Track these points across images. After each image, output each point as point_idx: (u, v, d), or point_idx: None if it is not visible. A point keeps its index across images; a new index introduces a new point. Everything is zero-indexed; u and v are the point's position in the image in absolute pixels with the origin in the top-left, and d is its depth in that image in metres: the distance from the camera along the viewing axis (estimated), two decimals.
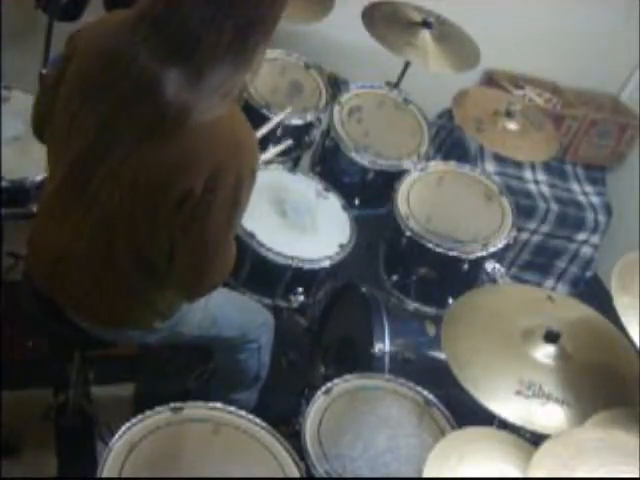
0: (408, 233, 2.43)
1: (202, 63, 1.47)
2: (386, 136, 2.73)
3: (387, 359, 2.20)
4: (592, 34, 3.41)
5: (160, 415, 1.68)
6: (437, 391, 1.97)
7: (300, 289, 2.30)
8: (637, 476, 1.33)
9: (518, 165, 3.40)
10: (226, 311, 1.99)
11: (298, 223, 2.35)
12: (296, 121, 2.61)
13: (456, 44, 2.76)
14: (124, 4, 1.66)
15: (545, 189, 3.44)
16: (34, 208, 2.22)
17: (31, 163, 2.21)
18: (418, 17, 2.76)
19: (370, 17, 2.72)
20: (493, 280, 2.35)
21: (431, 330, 2.34)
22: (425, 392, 1.96)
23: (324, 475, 1.72)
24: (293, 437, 1.77)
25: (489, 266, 2.39)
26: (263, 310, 2.11)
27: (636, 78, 3.63)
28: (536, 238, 3.39)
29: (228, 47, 1.47)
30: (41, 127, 1.80)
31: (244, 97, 1.66)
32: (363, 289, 2.39)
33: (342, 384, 1.95)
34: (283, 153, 2.46)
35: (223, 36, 1.46)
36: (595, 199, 3.50)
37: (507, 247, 2.50)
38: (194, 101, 1.49)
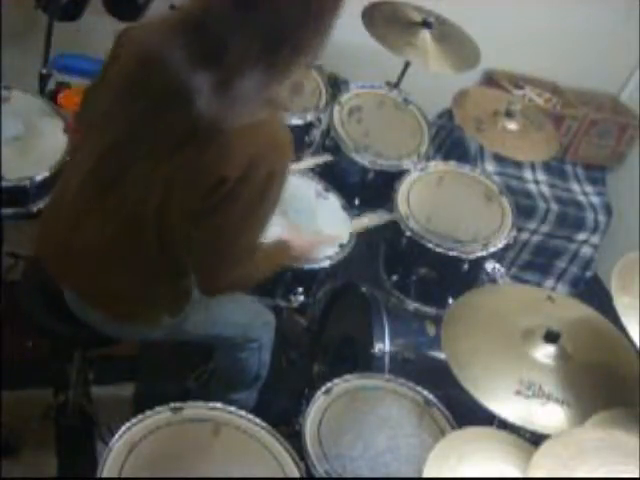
0: (408, 233, 2.43)
1: (231, 72, 1.50)
2: (386, 136, 2.73)
3: (387, 359, 2.20)
4: (592, 34, 3.41)
5: (160, 415, 1.68)
6: (437, 391, 1.97)
7: (300, 289, 2.30)
8: (637, 476, 1.33)
9: (518, 165, 3.40)
10: (228, 311, 2.00)
11: (300, 223, 2.35)
12: (296, 121, 2.61)
13: (456, 44, 2.76)
14: (124, 4, 1.66)
15: (545, 189, 3.44)
16: (34, 208, 2.23)
17: (31, 163, 2.21)
18: (418, 17, 2.76)
19: (370, 17, 2.71)
20: (493, 280, 2.35)
21: (431, 330, 2.34)
22: (425, 392, 1.96)
23: (324, 475, 1.72)
24: (293, 437, 1.77)
25: (489, 266, 2.39)
26: (265, 310, 2.12)
27: (636, 78, 3.63)
28: (536, 238, 3.39)
29: (257, 57, 1.50)
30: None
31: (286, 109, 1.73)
32: (363, 289, 2.39)
33: (342, 384, 1.95)
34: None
35: (252, 46, 1.49)
36: (595, 199, 3.50)
37: (507, 247, 2.50)
38: (226, 111, 1.52)
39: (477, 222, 2.52)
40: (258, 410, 1.91)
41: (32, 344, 2.52)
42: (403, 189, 2.56)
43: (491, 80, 3.45)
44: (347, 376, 1.97)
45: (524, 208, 3.24)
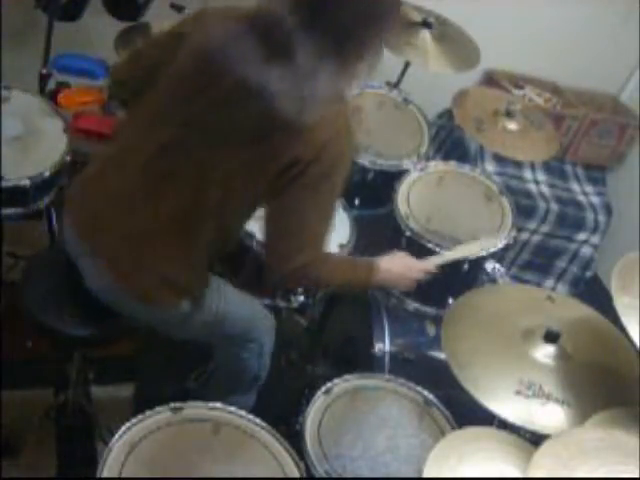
0: (408, 233, 2.43)
1: (304, 69, 1.55)
2: (386, 136, 2.73)
3: (387, 359, 2.20)
4: (592, 34, 3.41)
5: (160, 415, 1.68)
6: (437, 391, 1.97)
7: (300, 289, 2.30)
8: (637, 476, 1.33)
9: (518, 165, 3.40)
10: (236, 306, 2.02)
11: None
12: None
13: (456, 44, 2.76)
14: (124, 4, 1.66)
15: (545, 189, 3.44)
16: (34, 208, 2.23)
17: (31, 163, 2.21)
18: (418, 17, 2.76)
19: None
20: (493, 280, 2.35)
21: (431, 330, 2.34)
22: (425, 392, 1.96)
23: (324, 475, 1.72)
24: (293, 437, 1.77)
25: (489, 266, 2.38)
26: (267, 313, 2.12)
27: (636, 78, 3.63)
28: (536, 238, 3.39)
29: (327, 54, 1.56)
30: (124, 87, 1.95)
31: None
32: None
33: (342, 384, 1.95)
34: None
35: (322, 44, 1.55)
36: (595, 199, 3.50)
37: (507, 247, 2.50)
38: (300, 107, 1.57)
39: (477, 222, 2.52)
40: (258, 410, 1.91)
41: (32, 344, 2.52)
42: (403, 189, 2.56)
43: (491, 80, 3.45)
44: (347, 376, 1.97)
45: (524, 208, 3.24)
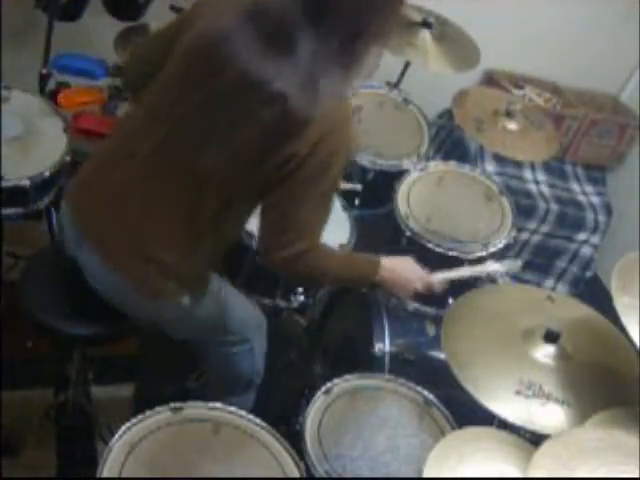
0: (408, 233, 2.43)
1: (310, 66, 1.56)
2: (386, 136, 2.73)
3: (387, 359, 2.20)
4: (592, 34, 3.41)
5: (160, 415, 1.68)
6: (437, 391, 1.97)
7: (300, 289, 2.30)
8: (637, 476, 1.33)
9: (518, 165, 3.40)
10: (233, 304, 2.02)
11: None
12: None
13: (456, 44, 2.76)
14: (124, 4, 1.66)
15: (545, 189, 3.44)
16: (34, 208, 2.23)
17: (31, 163, 2.21)
18: (418, 17, 2.76)
19: None
20: (493, 280, 2.35)
21: (431, 330, 2.34)
22: (425, 392, 1.96)
23: (324, 475, 1.72)
24: (293, 437, 1.77)
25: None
26: (260, 314, 2.13)
27: (636, 78, 3.63)
28: (536, 238, 3.39)
29: (333, 50, 1.56)
30: (137, 79, 1.93)
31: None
32: (363, 289, 2.39)
33: (342, 384, 1.95)
34: None
35: (327, 40, 1.55)
36: (595, 199, 3.50)
37: (507, 247, 2.50)
38: (307, 102, 1.58)
39: (477, 222, 2.52)
40: (258, 410, 1.91)
41: (32, 344, 2.52)
42: (403, 189, 2.56)
43: (491, 80, 3.45)
44: (347, 376, 1.97)
45: (524, 208, 3.24)
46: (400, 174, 2.62)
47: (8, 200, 2.17)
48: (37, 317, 1.93)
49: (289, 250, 1.73)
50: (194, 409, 1.72)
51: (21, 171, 2.17)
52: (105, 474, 1.54)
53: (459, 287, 2.16)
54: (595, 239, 3.44)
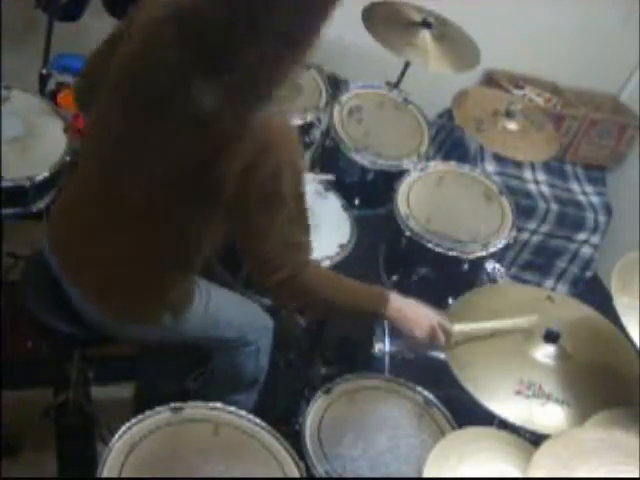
0: (408, 233, 2.43)
1: (237, 75, 1.50)
2: (386, 136, 2.73)
3: (387, 359, 2.20)
4: (592, 34, 3.41)
5: (160, 415, 1.68)
6: (437, 391, 1.97)
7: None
8: (637, 476, 1.33)
9: (518, 165, 3.40)
10: (226, 313, 2.00)
11: None
12: (296, 121, 2.61)
13: (456, 44, 2.76)
14: (124, 4, 1.66)
15: (545, 189, 3.44)
16: (34, 208, 2.23)
17: (31, 163, 2.21)
18: (418, 17, 2.76)
19: (370, 17, 2.71)
20: (493, 280, 2.35)
21: None
22: (425, 392, 1.96)
23: (324, 475, 1.72)
24: (293, 437, 1.77)
25: (489, 266, 2.39)
26: (263, 314, 2.11)
27: (636, 78, 3.63)
28: (536, 238, 3.39)
29: (260, 59, 1.49)
30: (87, 97, 1.85)
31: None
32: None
33: (342, 384, 1.94)
34: None
35: (255, 49, 1.48)
36: (595, 199, 3.50)
37: (507, 247, 2.50)
38: (231, 112, 1.52)
39: (477, 222, 2.52)
40: (258, 410, 1.91)
41: (32, 344, 2.52)
42: (403, 189, 2.56)
43: (491, 80, 3.45)
44: (347, 376, 1.97)
45: (524, 208, 3.24)
46: (400, 174, 2.62)
47: (8, 200, 2.17)
48: (37, 317, 1.93)
49: (277, 276, 1.66)
50: (194, 409, 1.72)
51: (21, 171, 2.17)
52: (105, 474, 1.53)
53: (459, 287, 2.16)
54: (595, 239, 3.44)
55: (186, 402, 1.71)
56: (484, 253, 2.41)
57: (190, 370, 2.48)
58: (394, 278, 2.52)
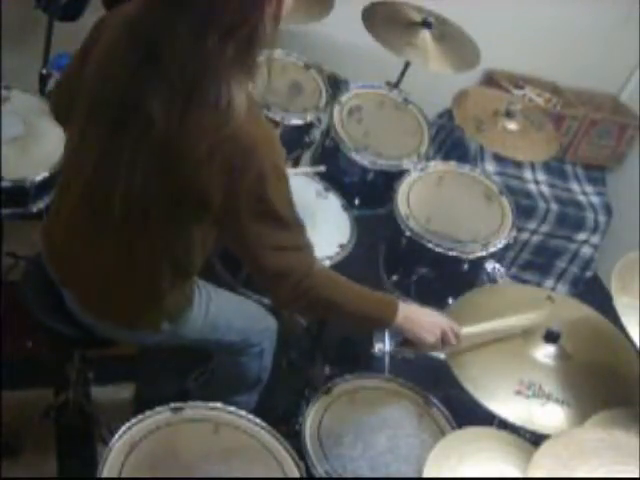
0: (408, 233, 2.43)
1: (172, 79, 1.44)
2: (386, 136, 2.73)
3: (387, 359, 2.20)
4: (592, 34, 3.41)
5: (160, 415, 1.67)
6: (437, 391, 1.97)
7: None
8: (637, 476, 1.33)
9: (518, 165, 3.40)
10: (228, 316, 1.98)
11: None
12: (296, 121, 2.61)
13: (456, 44, 2.76)
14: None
15: (545, 189, 3.44)
16: (34, 208, 2.23)
17: (31, 163, 2.22)
18: (418, 17, 2.76)
19: (370, 17, 2.71)
20: (493, 280, 2.35)
21: None
22: (425, 392, 1.96)
23: (324, 475, 1.72)
24: (293, 437, 1.77)
25: (489, 266, 2.39)
26: (266, 315, 2.10)
27: (636, 78, 3.63)
28: (536, 238, 3.39)
29: (203, 55, 1.43)
30: (61, 115, 1.85)
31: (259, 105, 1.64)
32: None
33: (342, 384, 1.94)
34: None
35: (190, 41, 1.42)
36: (595, 199, 3.50)
37: (507, 247, 2.50)
38: (190, 121, 1.46)
39: (477, 222, 2.52)
40: (258, 410, 1.91)
41: (32, 344, 2.52)
42: (403, 189, 2.56)
43: (491, 80, 3.45)
44: (347, 376, 1.97)
45: (524, 208, 3.24)
46: (400, 174, 2.62)
47: (8, 200, 2.17)
48: (37, 317, 1.93)
49: (286, 284, 1.63)
50: (194, 409, 1.72)
51: (21, 171, 2.17)
52: (105, 474, 1.53)
53: (459, 287, 2.16)
54: (595, 239, 3.44)
55: (186, 402, 1.71)
56: (484, 253, 2.41)
57: (190, 370, 2.48)
58: (394, 278, 2.52)
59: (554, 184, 3.48)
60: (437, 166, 2.71)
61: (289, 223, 1.61)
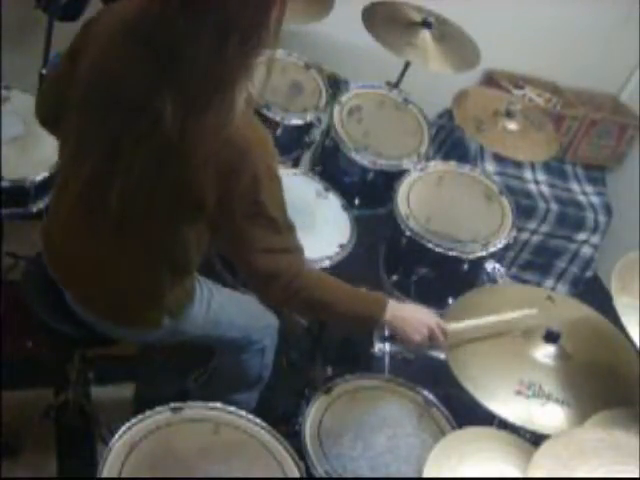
0: (408, 233, 2.43)
1: (190, 78, 1.45)
2: (386, 136, 2.73)
3: (387, 359, 2.20)
4: (592, 34, 3.41)
5: (160, 415, 1.68)
6: (437, 391, 1.97)
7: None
8: (637, 476, 1.33)
9: (518, 165, 3.40)
10: (229, 313, 1.99)
11: (298, 223, 2.34)
12: (296, 121, 2.62)
13: (456, 44, 2.76)
14: None
15: (545, 189, 3.44)
16: (34, 208, 2.23)
17: (31, 163, 2.22)
18: (418, 17, 2.77)
19: (370, 17, 2.72)
20: (493, 280, 2.35)
21: None
22: (425, 392, 1.96)
23: (324, 475, 1.72)
24: (293, 437, 1.77)
25: (489, 266, 2.39)
26: (267, 312, 2.10)
27: (636, 78, 3.63)
28: (536, 238, 3.39)
29: (211, 57, 1.43)
30: (49, 117, 1.82)
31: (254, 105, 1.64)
32: (363, 289, 2.39)
33: (342, 384, 1.95)
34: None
35: (203, 47, 1.42)
36: (595, 199, 3.50)
37: (507, 247, 2.50)
38: (194, 122, 1.47)
39: (477, 222, 2.52)
40: (258, 410, 1.91)
41: (32, 344, 2.52)
42: (403, 189, 2.56)
43: (491, 80, 3.45)
44: (347, 376, 1.97)
45: (524, 208, 3.24)
46: (400, 174, 2.62)
47: (8, 200, 2.17)
48: (37, 317, 1.93)
49: (275, 285, 1.64)
50: (194, 409, 1.72)
51: (21, 171, 2.17)
52: (105, 474, 1.54)
53: (459, 287, 2.16)
54: (595, 239, 3.44)
55: (186, 402, 1.71)
56: (484, 253, 2.41)
57: (190, 370, 2.48)
58: (394, 278, 2.52)
59: (554, 184, 3.48)
60: (437, 166, 2.71)
61: (281, 225, 1.62)
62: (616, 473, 1.33)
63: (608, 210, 3.47)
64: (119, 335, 1.92)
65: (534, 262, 3.46)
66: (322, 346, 2.54)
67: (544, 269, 3.48)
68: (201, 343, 2.05)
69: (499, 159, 3.31)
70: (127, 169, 1.55)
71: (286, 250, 1.65)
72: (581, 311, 1.97)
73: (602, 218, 3.43)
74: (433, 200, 2.58)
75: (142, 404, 1.75)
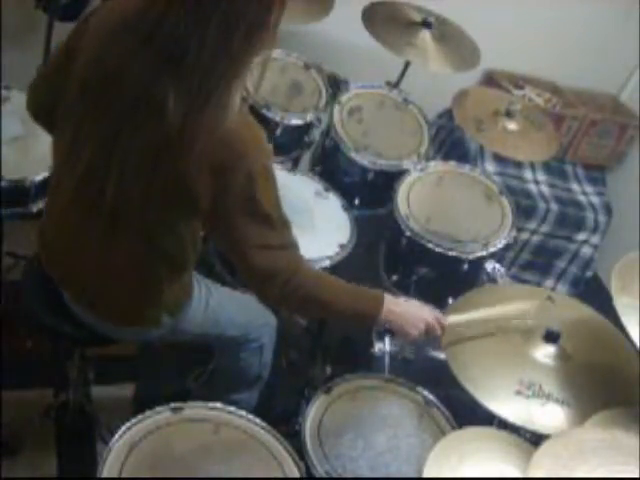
0: (408, 233, 2.43)
1: (194, 72, 1.45)
2: (386, 136, 2.73)
3: (387, 359, 2.20)
4: (592, 34, 3.41)
5: (160, 415, 1.68)
6: (437, 391, 1.97)
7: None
8: (637, 476, 1.33)
9: (518, 165, 3.40)
10: (228, 311, 1.99)
11: (298, 223, 2.33)
12: (296, 121, 2.61)
13: (456, 44, 2.76)
14: None
15: (545, 189, 3.44)
16: (34, 208, 2.23)
17: (31, 163, 2.22)
18: (418, 17, 2.77)
19: (370, 17, 2.72)
20: (493, 280, 2.35)
21: None
22: (425, 392, 1.96)
23: (324, 475, 1.72)
24: (293, 437, 1.77)
25: (489, 266, 2.39)
26: (266, 311, 2.10)
27: (636, 78, 3.63)
28: (536, 238, 3.39)
29: (215, 52, 1.44)
30: (41, 112, 1.81)
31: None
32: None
33: (342, 384, 1.95)
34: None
35: (208, 41, 1.42)
36: (595, 199, 3.50)
37: (507, 247, 2.50)
38: (195, 116, 1.47)
39: (477, 222, 2.52)
40: (258, 410, 1.91)
41: (32, 344, 2.52)
42: (403, 189, 2.56)
43: (491, 80, 3.45)
44: (347, 376, 1.97)
45: (524, 208, 3.24)
46: (400, 174, 2.62)
47: (8, 200, 2.17)
48: (37, 317, 1.93)
49: (273, 284, 1.64)
50: (194, 409, 1.72)
51: (21, 171, 2.17)
52: (105, 474, 1.54)
53: (459, 287, 2.16)
54: (595, 239, 3.44)
55: (186, 402, 1.71)
56: (484, 253, 2.41)
57: (190, 370, 2.48)
58: (394, 278, 2.52)
59: (554, 184, 3.48)
60: (437, 166, 2.71)
61: (275, 221, 1.62)
62: (616, 473, 1.33)
63: (608, 210, 3.47)
64: (119, 335, 1.92)
65: (534, 262, 3.46)
66: (322, 345, 2.54)
67: (544, 269, 3.48)
68: (200, 342, 2.05)
69: (499, 159, 3.31)
70: (123, 164, 1.55)
71: (282, 246, 1.65)
72: (581, 311, 1.97)
73: (602, 218, 3.43)
74: (433, 200, 2.58)
75: (142, 404, 1.75)
